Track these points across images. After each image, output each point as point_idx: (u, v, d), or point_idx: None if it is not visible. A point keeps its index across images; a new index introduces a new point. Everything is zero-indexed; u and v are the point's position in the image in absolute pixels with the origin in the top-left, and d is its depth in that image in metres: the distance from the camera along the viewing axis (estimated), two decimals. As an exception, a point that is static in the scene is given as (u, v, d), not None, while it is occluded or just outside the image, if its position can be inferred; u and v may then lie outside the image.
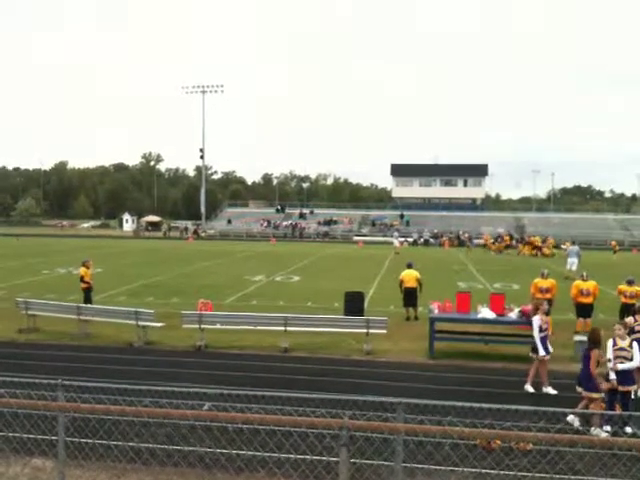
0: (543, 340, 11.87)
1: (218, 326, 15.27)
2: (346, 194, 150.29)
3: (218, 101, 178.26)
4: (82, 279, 18.81)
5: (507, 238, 61.33)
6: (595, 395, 9.70)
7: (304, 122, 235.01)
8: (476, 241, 62.20)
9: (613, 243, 55.39)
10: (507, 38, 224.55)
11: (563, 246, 50.16)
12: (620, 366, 9.73)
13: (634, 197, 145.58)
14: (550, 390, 11.74)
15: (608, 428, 9.44)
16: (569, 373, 12.07)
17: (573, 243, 40.88)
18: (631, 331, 10.63)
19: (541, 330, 11.92)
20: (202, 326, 14.97)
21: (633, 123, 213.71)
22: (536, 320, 12.03)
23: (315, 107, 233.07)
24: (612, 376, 9.77)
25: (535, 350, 11.88)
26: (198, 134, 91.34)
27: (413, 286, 19.25)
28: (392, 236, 62.41)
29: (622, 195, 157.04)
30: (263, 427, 7.57)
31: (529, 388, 11.84)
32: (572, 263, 33.07)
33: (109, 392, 6.50)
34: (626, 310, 16.92)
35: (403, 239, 60.40)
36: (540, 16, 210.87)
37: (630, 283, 17.31)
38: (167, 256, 44.97)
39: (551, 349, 12.12)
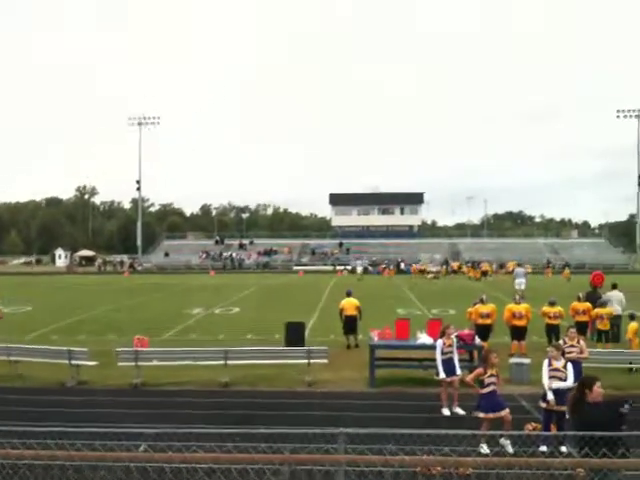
0: (446, 363, 12.18)
1: (155, 362, 14.90)
2: (286, 224, 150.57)
3: (154, 133, 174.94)
4: None
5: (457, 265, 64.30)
6: (481, 414, 10.08)
7: (242, 152, 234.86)
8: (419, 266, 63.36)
9: (566, 272, 56.85)
10: (436, 74, 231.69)
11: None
12: (555, 385, 10.00)
13: (563, 221, 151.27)
14: (459, 411, 12.07)
15: (544, 448, 9.63)
16: (505, 395, 12.29)
17: (519, 265, 42.60)
18: (562, 353, 10.94)
19: (443, 353, 12.27)
20: (138, 363, 14.58)
21: (559, 149, 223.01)
22: (438, 343, 12.42)
23: (251, 136, 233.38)
24: (550, 396, 10.01)
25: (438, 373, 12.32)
26: (134, 166, 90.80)
27: (353, 314, 19.36)
28: (355, 264, 65.04)
29: (552, 220, 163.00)
30: (201, 466, 7.38)
31: (445, 411, 12.09)
32: (520, 283, 35.38)
33: (40, 436, 6.22)
34: (551, 330, 17.58)
35: (365, 266, 63.12)
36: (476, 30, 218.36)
37: (552, 304, 17.93)
38: (102, 291, 43.83)
39: (459, 371, 12.42)
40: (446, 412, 12.13)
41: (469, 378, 10.59)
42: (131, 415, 12.00)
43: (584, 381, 7.17)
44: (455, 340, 12.82)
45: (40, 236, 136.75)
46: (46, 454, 5.55)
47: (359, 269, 60.36)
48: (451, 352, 12.44)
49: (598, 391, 6.90)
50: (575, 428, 6.85)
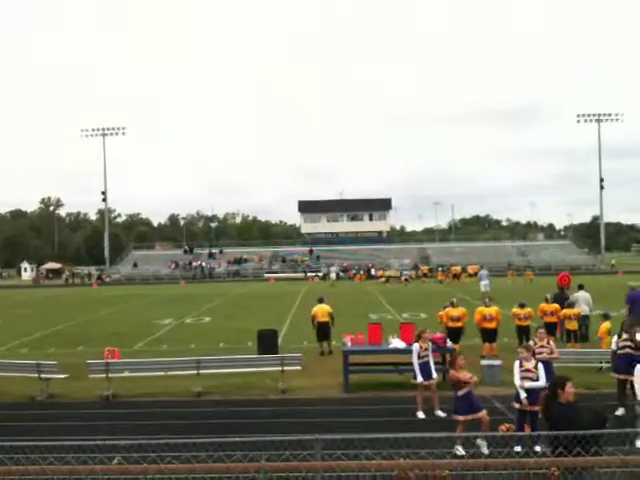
0: (423, 366, 12.27)
1: (126, 374, 14.71)
2: (255, 232, 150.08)
3: (120, 143, 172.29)
4: None
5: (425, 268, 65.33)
6: (460, 417, 10.08)
7: (210, 161, 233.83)
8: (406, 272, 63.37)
9: (529, 273, 57.77)
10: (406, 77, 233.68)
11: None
12: (527, 384, 10.11)
13: (529, 224, 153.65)
14: (440, 413, 12.15)
15: (519, 448, 9.71)
16: (478, 397, 12.39)
17: (482, 268, 43.85)
18: (533, 354, 11.08)
19: (420, 357, 12.35)
20: (109, 375, 14.36)
21: (523, 153, 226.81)
22: (415, 347, 12.49)
23: (219, 145, 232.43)
24: (523, 395, 10.12)
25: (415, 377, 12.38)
26: (100, 177, 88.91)
27: (325, 320, 19.35)
28: (329, 270, 65.49)
29: (518, 223, 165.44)
30: (177, 476, 7.30)
31: (420, 414, 12.16)
32: (485, 285, 37.02)
33: (11, 451, 6.09)
34: (522, 331, 17.85)
35: (337, 272, 63.45)
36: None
37: (522, 306, 18.22)
38: (70, 304, 43.16)
39: (435, 375, 12.52)
40: (421, 415, 12.18)
41: (473, 380, 10.26)
42: (103, 427, 11.81)
43: (556, 381, 7.27)
44: (430, 344, 12.90)
45: (5, 249, 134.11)
46: (18, 470, 5.43)
47: (332, 275, 60.80)
48: (427, 356, 12.51)
49: (570, 391, 7.00)
50: (548, 428, 6.94)
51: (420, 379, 12.24)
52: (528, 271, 59.62)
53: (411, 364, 14.93)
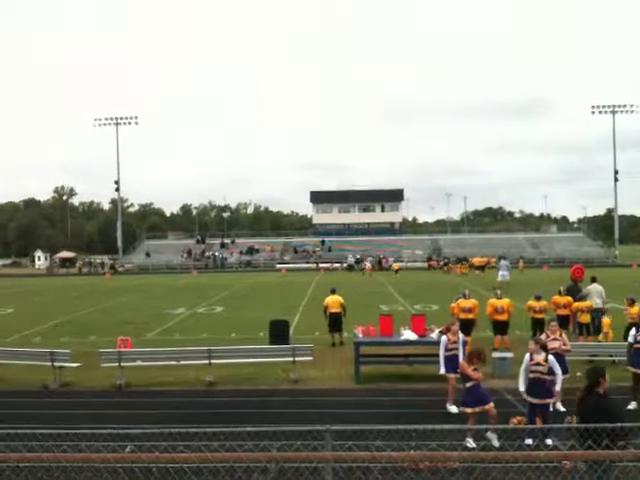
0: (449, 359, 12.18)
1: (139, 363, 14.80)
2: (267, 222, 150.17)
3: (133, 132, 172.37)
4: None
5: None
6: (468, 410, 10.07)
7: (223, 151, 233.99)
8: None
9: (520, 264, 57.86)
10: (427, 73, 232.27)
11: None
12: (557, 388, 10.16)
13: (542, 216, 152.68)
14: (453, 408, 11.96)
15: (530, 441, 9.71)
16: (489, 389, 12.36)
17: (503, 258, 43.57)
18: (544, 347, 11.03)
19: (447, 349, 12.27)
20: (122, 364, 14.47)
21: (537, 145, 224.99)
22: (442, 340, 12.42)
23: (232, 134, 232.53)
24: (521, 388, 10.16)
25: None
26: (113, 166, 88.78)
27: (337, 311, 19.37)
28: (364, 260, 65.56)
29: (531, 215, 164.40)
30: (189, 465, 7.35)
31: (450, 407, 12.10)
32: (503, 275, 37.25)
33: (25, 438, 6.15)
34: (536, 324, 17.77)
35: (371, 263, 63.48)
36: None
37: (538, 299, 18.15)
38: (83, 293, 43.43)
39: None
40: (451, 408, 12.05)
41: (479, 378, 10.30)
42: (116, 416, 11.91)
43: (597, 371, 7.08)
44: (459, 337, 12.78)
45: (18, 238, 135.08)
46: (32, 457, 5.49)
47: (368, 264, 60.34)
48: (456, 349, 12.31)
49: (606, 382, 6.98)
50: (582, 418, 6.84)
51: (442, 371, 12.14)
52: (520, 263, 60.09)
53: (421, 355, 14.98)
